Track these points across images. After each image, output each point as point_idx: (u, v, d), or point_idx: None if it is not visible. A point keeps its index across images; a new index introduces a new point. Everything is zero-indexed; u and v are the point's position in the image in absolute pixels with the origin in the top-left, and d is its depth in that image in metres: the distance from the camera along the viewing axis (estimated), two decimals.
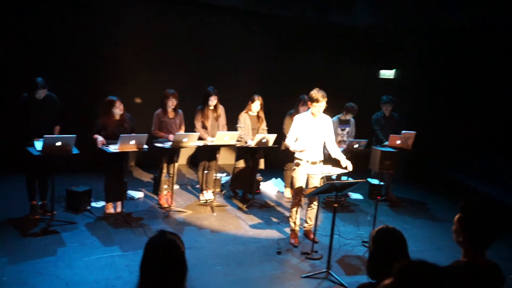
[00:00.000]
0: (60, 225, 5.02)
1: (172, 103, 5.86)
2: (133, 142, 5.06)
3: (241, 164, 6.44)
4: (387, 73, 9.12)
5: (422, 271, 1.02)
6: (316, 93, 4.83)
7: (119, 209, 5.51)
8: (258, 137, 5.93)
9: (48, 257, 4.27)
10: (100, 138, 5.21)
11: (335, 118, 6.58)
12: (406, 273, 1.02)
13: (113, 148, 5.06)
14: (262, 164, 6.64)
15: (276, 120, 6.87)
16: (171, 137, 5.72)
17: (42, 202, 5.38)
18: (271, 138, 6.06)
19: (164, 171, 6.03)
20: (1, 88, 6.66)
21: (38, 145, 4.71)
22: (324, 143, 5.12)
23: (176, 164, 5.92)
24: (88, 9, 7.22)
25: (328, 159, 5.44)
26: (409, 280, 1.00)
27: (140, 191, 6.57)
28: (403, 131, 6.37)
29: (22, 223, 5.03)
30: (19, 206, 5.35)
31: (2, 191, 6.09)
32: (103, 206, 5.64)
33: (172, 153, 5.82)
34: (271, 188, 7.30)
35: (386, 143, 6.47)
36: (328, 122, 5.08)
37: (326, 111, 5.02)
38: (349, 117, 6.77)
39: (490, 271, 2.02)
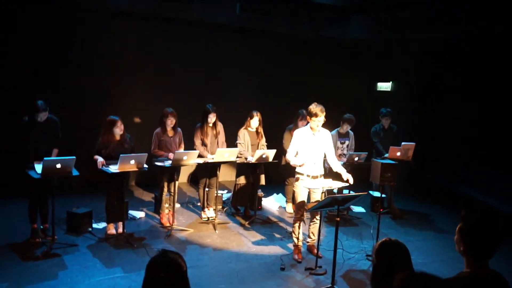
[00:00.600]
0: (61, 248, 4.98)
1: (171, 121, 5.89)
2: (133, 161, 5.06)
3: (242, 180, 6.43)
4: (384, 86, 9.18)
5: (423, 283, 1.01)
6: (314, 107, 4.86)
7: (120, 230, 5.47)
8: (258, 153, 5.94)
9: (49, 281, 4.23)
10: (100, 159, 5.22)
11: (333, 131, 6.60)
12: (407, 285, 1.01)
13: (113, 169, 5.05)
14: (262, 180, 6.62)
15: (275, 136, 6.89)
16: (171, 155, 5.72)
17: (43, 225, 5.35)
18: (271, 153, 6.07)
19: (165, 189, 6.02)
20: (1, 112, 6.69)
21: (38, 168, 4.71)
22: (325, 157, 5.12)
23: (177, 183, 5.90)
24: (86, 30, 7.30)
25: (329, 173, 5.43)
26: None
27: (142, 210, 6.54)
28: (403, 143, 6.38)
29: (22, 247, 4.99)
30: (20, 230, 5.32)
31: (3, 215, 6.05)
32: (105, 227, 5.61)
33: (173, 172, 5.82)
34: (272, 203, 7.27)
35: (386, 155, 6.47)
36: (327, 136, 5.09)
37: (324, 125, 5.03)
38: (346, 128, 6.78)
39: (493, 281, 1.99)
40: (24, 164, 4.92)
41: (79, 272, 4.45)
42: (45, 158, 4.59)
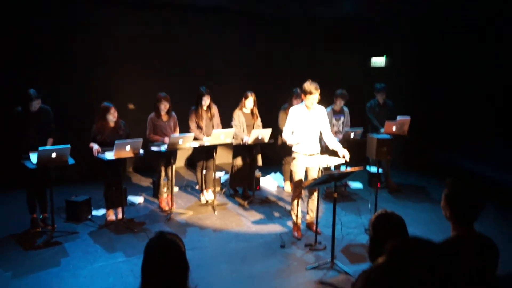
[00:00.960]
0: (62, 236, 5.01)
1: (164, 106, 5.85)
2: (128, 148, 5.05)
3: (239, 161, 6.44)
4: (378, 61, 9.12)
5: (416, 247, 1.01)
6: (309, 85, 4.84)
7: (120, 216, 5.50)
8: (254, 134, 5.93)
9: (52, 268, 4.27)
10: (95, 147, 5.21)
11: (328, 108, 6.57)
12: (399, 250, 1.01)
13: (109, 156, 5.05)
14: (259, 160, 6.64)
15: (270, 116, 6.87)
16: (166, 139, 5.72)
17: (42, 215, 5.36)
18: (267, 133, 6.06)
19: (163, 174, 6.03)
20: None
21: (34, 158, 4.70)
22: (321, 135, 5.12)
23: (174, 166, 5.91)
24: (78, 16, 7.19)
25: (326, 151, 5.44)
26: (402, 256, 0.99)
27: (140, 196, 6.56)
28: (398, 117, 6.38)
29: (24, 237, 5.02)
30: (20, 221, 5.33)
31: (3, 206, 6.07)
32: (104, 214, 5.64)
33: (169, 156, 5.82)
34: (270, 183, 7.30)
35: (382, 130, 6.48)
36: (323, 113, 5.08)
37: (319, 103, 5.02)
38: (340, 104, 6.76)
39: (480, 242, 2.06)
40: (20, 154, 4.90)
41: (81, 259, 4.49)
42: (40, 148, 4.57)
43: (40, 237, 4.97)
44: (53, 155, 4.64)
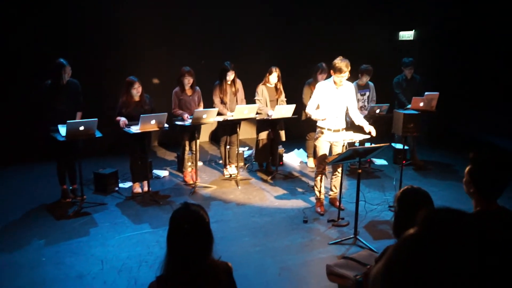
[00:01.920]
0: (91, 207, 5.18)
1: (188, 81, 5.86)
2: (153, 121, 5.11)
3: (263, 136, 6.43)
4: (406, 35, 8.83)
5: (449, 217, 0.98)
6: (339, 62, 4.69)
7: (146, 188, 5.62)
8: (277, 109, 5.89)
9: (82, 238, 4.43)
10: (122, 119, 5.29)
11: (353, 84, 6.45)
12: (432, 220, 0.98)
13: (135, 129, 5.13)
14: (283, 135, 6.61)
15: (294, 91, 6.79)
16: (185, 116, 5.74)
17: (72, 186, 5.53)
18: (291, 109, 6.01)
19: (187, 148, 6.10)
20: (24, 78, 6.79)
21: (62, 130, 4.82)
22: (347, 110, 5.04)
23: (198, 141, 5.96)
24: None
25: (351, 126, 5.36)
26: (435, 226, 0.96)
27: (165, 169, 6.68)
28: (426, 93, 6.20)
29: (55, 207, 5.22)
30: (52, 192, 5.53)
31: (34, 177, 6.29)
32: (130, 186, 5.77)
33: (193, 130, 5.86)
34: (294, 159, 7.29)
35: (409, 106, 6.32)
36: (350, 89, 4.98)
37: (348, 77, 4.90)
38: (365, 79, 6.61)
39: (503, 216, 2.01)
40: (49, 127, 5.02)
41: (109, 229, 4.64)
42: (68, 121, 4.67)
43: (70, 208, 5.15)
44: (81, 128, 4.74)
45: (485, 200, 2.03)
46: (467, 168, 2.08)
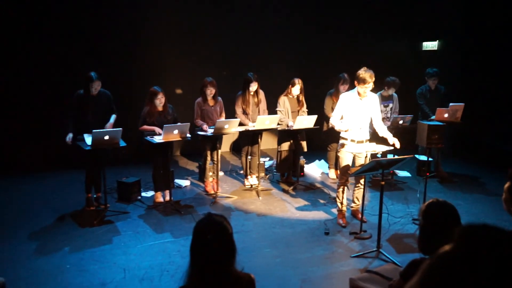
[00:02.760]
0: (114, 215, 5.26)
1: (210, 91, 5.92)
2: (176, 131, 5.18)
3: (284, 147, 6.43)
4: (430, 45, 8.72)
5: (488, 234, 0.95)
6: (363, 73, 4.65)
7: (167, 198, 5.68)
8: (299, 120, 5.89)
9: (105, 245, 4.50)
10: (155, 128, 5.40)
11: (377, 94, 6.39)
12: (469, 236, 0.95)
13: (158, 139, 5.20)
14: (304, 146, 6.59)
15: (315, 102, 6.78)
16: (205, 127, 5.78)
17: (96, 194, 5.63)
18: (312, 119, 6.00)
19: (208, 158, 6.14)
20: (58, 87, 7.01)
21: (88, 140, 4.93)
22: (370, 121, 4.99)
23: (220, 151, 6.00)
24: (127, 2, 7.41)
25: (374, 138, 5.31)
26: (473, 244, 0.93)
27: (187, 179, 6.74)
28: (450, 104, 6.10)
29: (79, 215, 5.31)
30: (77, 200, 5.64)
31: (62, 185, 6.44)
32: (153, 196, 5.84)
33: (215, 140, 5.90)
34: (315, 170, 7.25)
35: (433, 117, 6.22)
36: (375, 101, 4.93)
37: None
38: (391, 92, 6.55)
39: None
40: (76, 136, 5.15)
41: (132, 237, 4.69)
42: (94, 130, 4.78)
43: (94, 216, 5.24)
44: (106, 137, 4.84)
45: None
46: (507, 185, 2.00)
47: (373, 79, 4.67)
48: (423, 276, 0.96)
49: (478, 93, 7.77)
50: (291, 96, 6.29)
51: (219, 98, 6.12)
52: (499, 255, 0.89)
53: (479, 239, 0.93)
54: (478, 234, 0.95)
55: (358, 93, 4.81)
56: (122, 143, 5.06)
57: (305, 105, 6.40)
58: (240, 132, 6.04)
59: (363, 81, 4.65)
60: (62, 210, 5.44)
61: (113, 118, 5.43)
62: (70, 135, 5.11)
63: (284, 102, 6.25)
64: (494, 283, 0.87)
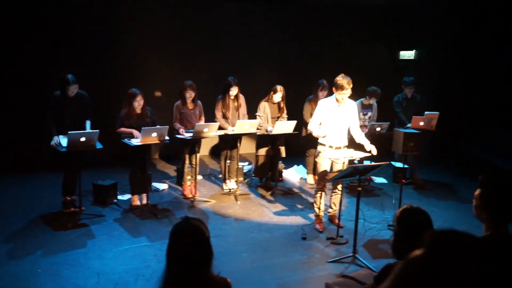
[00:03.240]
0: (89, 219, 5.16)
1: (189, 94, 5.90)
2: (155, 134, 5.13)
3: (262, 152, 6.45)
4: (407, 54, 8.92)
5: (457, 239, 0.98)
6: (341, 79, 4.72)
7: (144, 201, 5.61)
8: (278, 125, 5.92)
9: (79, 249, 4.40)
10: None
11: (357, 102, 6.49)
12: (439, 241, 0.98)
13: (136, 141, 5.14)
14: (283, 151, 6.62)
15: (295, 107, 6.83)
16: (181, 130, 5.75)
17: (70, 197, 5.50)
18: (291, 125, 6.04)
19: (187, 162, 6.10)
20: (31, 87, 6.86)
21: (64, 141, 4.83)
22: (348, 128, 5.06)
23: (198, 155, 5.97)
24: (106, 3, 7.33)
25: (351, 144, 5.38)
26: (442, 248, 0.96)
27: (164, 182, 6.67)
28: (426, 112, 6.24)
29: (54, 218, 5.18)
30: (50, 202, 5.52)
31: (34, 188, 6.28)
32: (129, 199, 5.76)
33: (194, 144, 5.87)
34: (293, 175, 7.29)
35: (409, 125, 6.35)
36: (353, 107, 5.00)
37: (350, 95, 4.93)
38: (372, 101, 6.67)
39: None
40: (52, 137, 5.03)
41: (107, 241, 4.61)
42: (69, 132, 4.69)
43: (69, 219, 5.12)
44: (82, 139, 4.76)
45: (497, 225, 1.99)
46: (477, 192, 2.04)
47: (351, 85, 4.74)
48: (394, 279, 0.99)
49: (453, 101, 7.98)
50: (272, 103, 6.32)
51: (199, 102, 6.10)
52: (467, 259, 0.92)
53: (448, 244, 0.96)
54: (447, 239, 0.98)
55: (336, 100, 4.88)
56: (99, 145, 4.98)
57: (285, 112, 6.42)
58: (220, 136, 6.03)
59: (341, 88, 4.72)
60: (35, 213, 5.31)
61: (88, 125, 5.31)
62: (56, 139, 4.97)
63: (264, 108, 6.28)
64: (462, 286, 0.90)
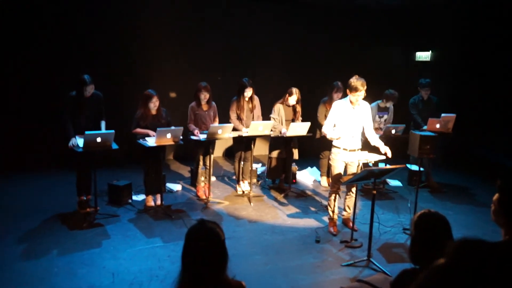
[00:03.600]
0: (104, 218, 5.21)
1: (204, 96, 5.92)
2: (169, 135, 5.16)
3: (275, 154, 6.43)
4: (423, 55, 8.82)
5: (481, 249, 0.96)
6: (355, 81, 4.69)
7: (158, 202, 5.64)
8: (292, 127, 5.90)
9: (94, 249, 4.45)
10: (142, 130, 5.38)
11: (373, 104, 6.44)
12: (463, 251, 0.96)
13: (151, 142, 5.18)
14: (296, 154, 6.59)
15: (309, 109, 6.80)
16: (196, 132, 5.75)
17: (86, 197, 5.57)
18: (305, 127, 6.01)
19: (201, 163, 6.12)
20: (49, 88, 6.97)
21: (80, 142, 4.89)
22: (362, 129, 5.02)
23: (212, 156, 5.98)
24: (121, 6, 7.41)
25: (365, 146, 5.33)
26: (466, 258, 0.94)
27: (178, 183, 6.70)
28: (442, 114, 6.16)
29: (69, 217, 5.25)
30: (67, 201, 5.60)
31: (52, 186, 6.37)
32: (144, 199, 5.80)
33: (208, 145, 5.89)
34: (307, 177, 7.26)
35: (425, 127, 6.28)
36: (367, 109, 4.96)
37: (365, 97, 4.89)
38: (389, 104, 6.60)
39: None
40: (69, 138, 5.09)
41: (121, 241, 4.65)
42: (86, 132, 4.74)
43: (83, 218, 5.18)
44: (98, 139, 4.81)
45: None
46: (496, 197, 1.98)
47: (365, 87, 4.70)
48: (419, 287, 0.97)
49: (470, 104, 7.86)
50: (287, 105, 6.29)
51: (213, 103, 6.11)
52: (492, 270, 0.90)
53: (473, 254, 0.94)
54: (472, 249, 0.96)
55: (351, 102, 4.84)
56: (115, 146, 5.03)
57: (300, 115, 6.36)
58: (234, 138, 6.03)
59: (355, 89, 4.68)
60: (51, 212, 5.38)
61: (103, 125, 5.38)
62: (74, 140, 5.02)
63: (279, 110, 6.25)
64: None
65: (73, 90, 5.22)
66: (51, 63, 7.05)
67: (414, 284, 0.98)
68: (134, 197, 5.96)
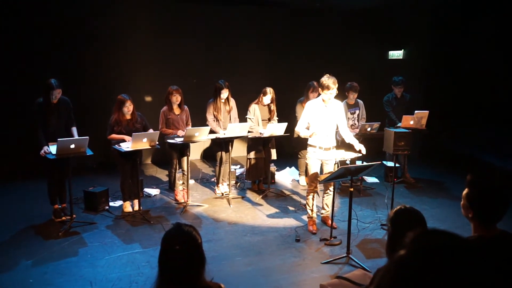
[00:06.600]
0: (81, 226, 5.10)
1: (176, 99, 5.86)
2: (145, 140, 5.09)
3: (253, 155, 6.43)
4: (396, 54, 8.99)
5: (439, 239, 0.97)
6: (326, 79, 4.76)
7: (136, 207, 5.56)
8: (269, 128, 5.91)
9: (71, 258, 4.35)
10: (117, 136, 5.29)
11: (342, 103, 6.50)
12: (421, 241, 0.98)
13: (126, 147, 5.10)
14: (274, 154, 6.62)
15: (286, 109, 6.84)
16: (180, 132, 5.75)
17: (61, 205, 5.45)
18: (282, 127, 6.04)
19: (177, 166, 6.06)
20: (15, 95, 6.78)
21: (53, 149, 4.77)
22: (337, 129, 5.07)
23: (189, 159, 5.93)
24: (94, 8, 7.28)
25: (341, 144, 5.40)
26: (424, 249, 0.95)
27: (156, 188, 6.62)
28: (416, 111, 6.29)
29: (44, 227, 5.12)
30: (40, 211, 5.45)
31: (23, 197, 6.20)
32: (121, 205, 5.71)
33: (184, 149, 5.84)
34: (286, 177, 7.29)
35: (399, 124, 6.39)
36: (339, 107, 5.03)
37: (337, 96, 4.96)
38: (352, 97, 6.65)
39: (502, 240, 1.95)
40: (40, 145, 4.97)
41: (99, 249, 4.56)
42: (59, 139, 4.64)
43: (60, 227, 5.06)
44: (72, 146, 4.71)
45: (484, 225, 1.97)
46: (465, 192, 2.02)
47: (337, 85, 4.76)
48: (380, 279, 0.98)
49: (442, 100, 8.05)
50: (262, 105, 6.31)
51: (185, 107, 6.06)
52: (447, 260, 0.91)
53: (429, 245, 0.95)
54: (427, 240, 0.97)
55: (323, 100, 4.90)
56: (89, 152, 4.93)
57: (275, 114, 6.42)
58: (212, 140, 6.01)
59: (327, 87, 4.74)
60: (25, 223, 5.23)
61: (75, 131, 5.26)
62: (46, 148, 4.89)
63: (254, 110, 6.27)
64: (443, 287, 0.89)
65: (40, 96, 5.07)
66: (17, 69, 6.85)
67: (378, 275, 1.00)
68: (111, 203, 5.86)
